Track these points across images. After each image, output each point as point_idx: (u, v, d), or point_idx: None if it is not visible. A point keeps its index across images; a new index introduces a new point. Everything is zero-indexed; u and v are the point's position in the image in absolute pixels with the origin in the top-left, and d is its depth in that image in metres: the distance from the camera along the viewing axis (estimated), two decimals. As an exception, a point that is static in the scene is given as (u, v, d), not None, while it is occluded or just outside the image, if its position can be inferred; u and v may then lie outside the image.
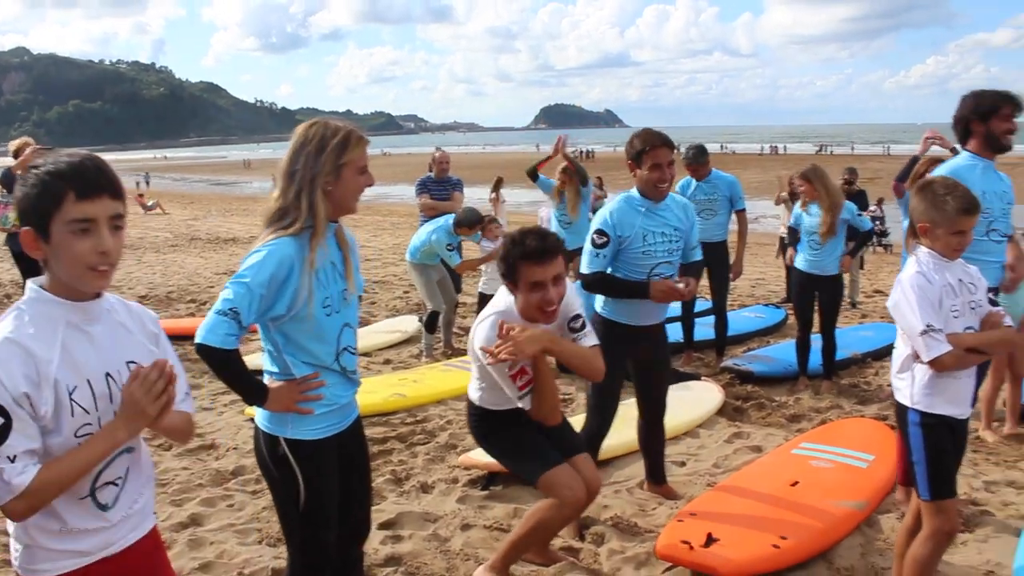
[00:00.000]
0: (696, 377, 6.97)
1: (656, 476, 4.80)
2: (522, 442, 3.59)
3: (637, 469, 4.97)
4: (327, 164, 2.60)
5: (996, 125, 4.12)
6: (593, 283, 4.24)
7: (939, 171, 4.23)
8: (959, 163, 4.22)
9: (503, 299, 3.48)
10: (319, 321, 2.63)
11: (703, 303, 8.55)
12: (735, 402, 6.53)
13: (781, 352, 7.56)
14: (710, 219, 7.44)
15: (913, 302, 3.07)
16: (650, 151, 4.14)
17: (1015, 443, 5.77)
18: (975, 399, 3.83)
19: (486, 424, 3.68)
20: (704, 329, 7.91)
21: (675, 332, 7.75)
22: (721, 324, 7.73)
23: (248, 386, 2.68)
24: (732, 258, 7.67)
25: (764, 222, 22.48)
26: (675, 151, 4.40)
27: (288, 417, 2.67)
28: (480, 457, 4.92)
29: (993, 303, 3.31)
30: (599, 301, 4.36)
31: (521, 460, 3.63)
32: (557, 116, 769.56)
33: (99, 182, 1.87)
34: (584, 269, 4.23)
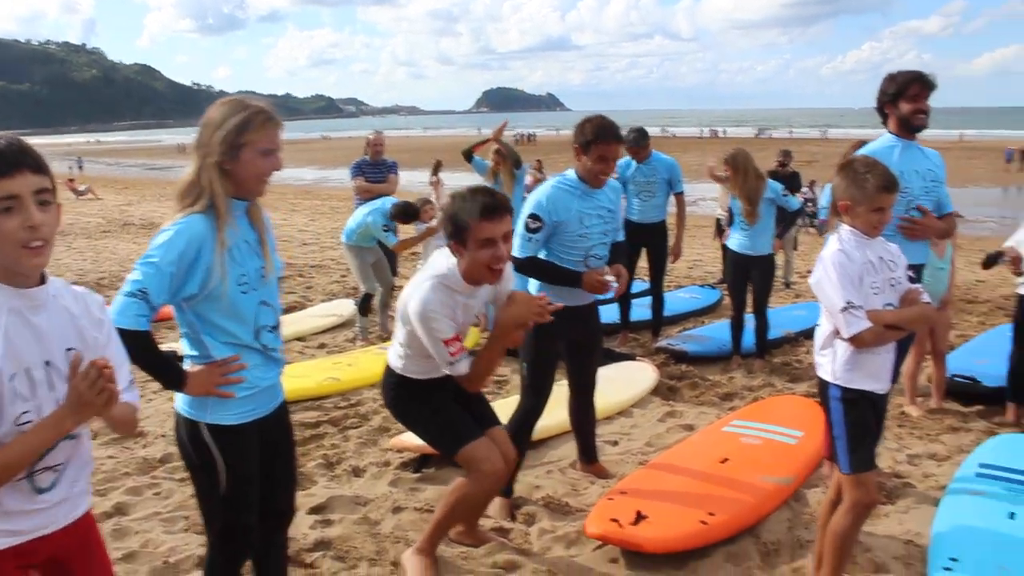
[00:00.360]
0: (632, 357, 7.01)
1: (588, 455, 4.82)
2: (441, 414, 3.54)
3: (570, 449, 4.99)
4: (224, 143, 2.53)
5: (904, 106, 4.18)
6: (525, 267, 4.22)
7: (861, 152, 4.29)
8: (879, 144, 4.28)
9: (442, 263, 3.40)
10: (234, 299, 2.57)
11: (640, 284, 8.62)
12: (669, 381, 6.59)
13: (715, 332, 7.65)
14: (648, 200, 7.49)
15: (834, 279, 3.12)
16: (599, 143, 4.12)
17: (938, 417, 5.92)
18: (896, 374, 3.91)
19: (405, 392, 3.59)
20: (641, 310, 7.97)
21: (612, 313, 7.81)
22: (658, 305, 7.78)
23: (165, 370, 2.62)
24: (672, 240, 7.73)
25: (703, 205, 22.73)
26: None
27: (208, 401, 2.62)
28: (412, 440, 4.90)
29: (913, 280, 3.37)
30: (533, 282, 4.35)
31: (440, 433, 3.57)
32: (499, 99, 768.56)
33: (16, 158, 1.84)
34: (516, 253, 4.19)
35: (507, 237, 3.32)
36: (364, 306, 8.02)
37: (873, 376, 3.24)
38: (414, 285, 3.42)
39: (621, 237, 4.55)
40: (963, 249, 11.20)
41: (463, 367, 3.34)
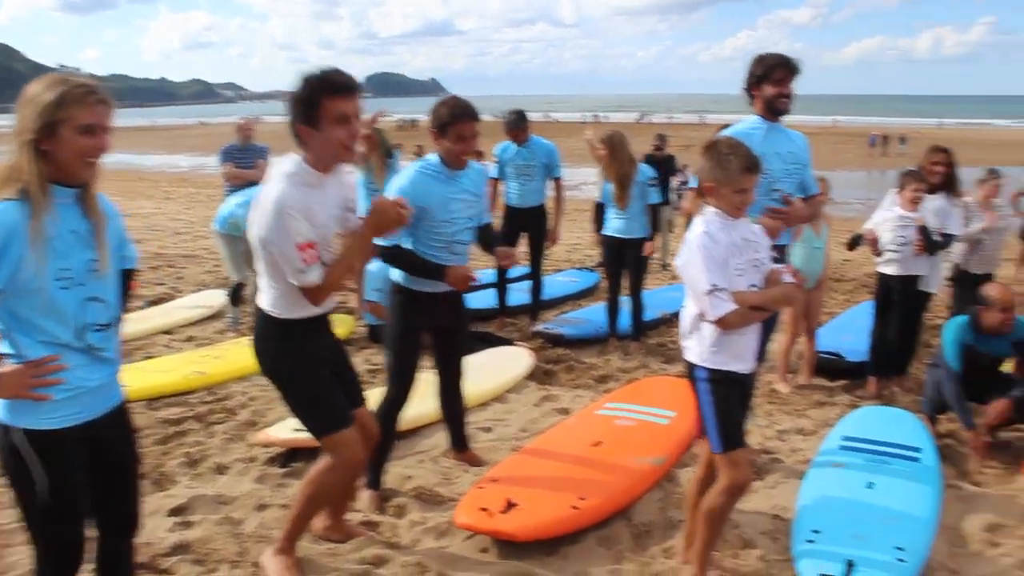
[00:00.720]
0: (508, 342, 6.96)
1: (459, 444, 4.74)
2: (316, 387, 3.31)
3: (442, 438, 4.89)
4: (39, 120, 2.31)
5: (769, 89, 4.22)
6: (389, 255, 4.08)
7: (725, 133, 4.32)
8: (743, 126, 4.31)
9: (286, 164, 3.14)
10: (51, 295, 2.35)
11: (519, 268, 8.56)
12: (546, 365, 6.57)
13: (592, 315, 7.68)
14: (527, 184, 7.45)
15: (699, 262, 3.11)
16: (456, 123, 4.01)
17: (806, 392, 6.08)
18: (763, 354, 3.96)
19: (276, 341, 3.29)
20: (519, 294, 7.94)
21: (489, 298, 7.76)
22: (536, 289, 7.77)
23: None
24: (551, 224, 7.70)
25: (585, 189, 22.90)
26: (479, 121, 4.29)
27: (22, 405, 2.39)
28: (279, 433, 4.73)
29: (776, 260, 3.39)
30: (395, 271, 4.22)
31: (311, 409, 3.33)
32: (381, 85, 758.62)
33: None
34: (380, 240, 4.06)
35: (357, 116, 3.13)
36: (235, 295, 7.73)
37: (739, 357, 3.26)
38: (260, 199, 3.10)
39: (488, 219, 4.47)
40: (832, 230, 11.58)
41: (314, 276, 3.09)
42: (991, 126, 70.33)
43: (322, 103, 3.02)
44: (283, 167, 3.12)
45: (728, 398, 3.25)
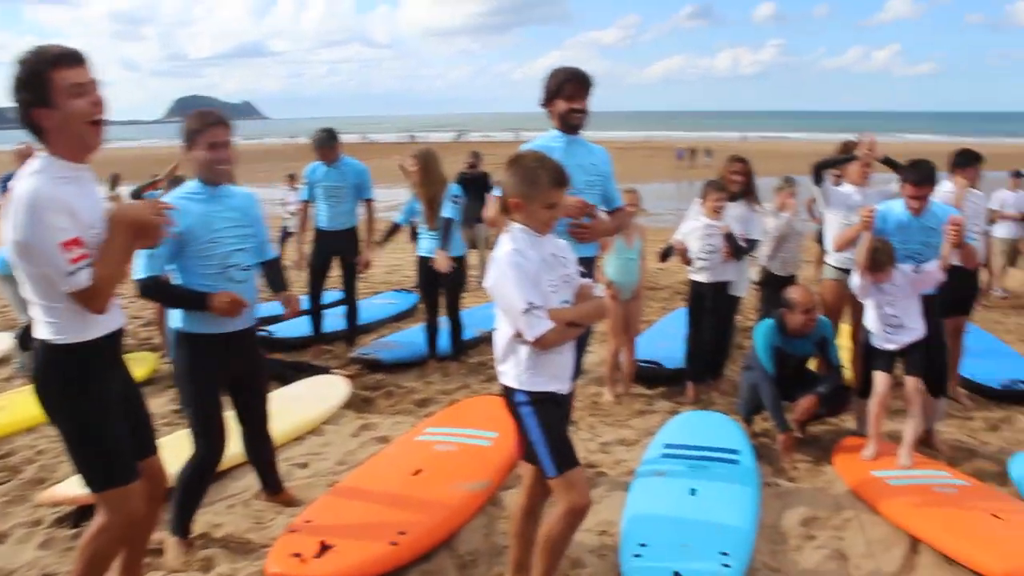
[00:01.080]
0: (324, 370, 6.67)
1: (271, 485, 4.43)
2: (100, 429, 2.91)
3: (254, 479, 4.55)
4: None
5: (561, 104, 4.17)
6: (147, 289, 3.72)
7: (526, 146, 4.23)
8: (543, 140, 4.23)
9: (33, 163, 2.76)
10: None
11: (334, 294, 8.27)
12: (364, 392, 6.32)
13: (411, 337, 7.49)
14: (337, 206, 7.17)
15: (512, 281, 2.96)
16: (206, 130, 3.72)
17: (627, 402, 6.10)
18: (579, 369, 3.88)
19: (62, 376, 2.88)
20: (335, 320, 7.64)
21: (304, 326, 7.44)
22: (352, 314, 7.51)
23: None
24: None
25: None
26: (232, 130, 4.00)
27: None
28: (68, 489, 4.26)
29: (584, 275, 3.30)
30: (176, 315, 3.86)
31: (90, 456, 2.93)
32: (192, 108, 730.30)
33: None
34: (136, 274, 3.68)
35: (93, 86, 2.79)
36: (24, 339, 7.07)
37: (557, 377, 3.13)
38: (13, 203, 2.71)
39: (271, 254, 4.20)
40: (647, 241, 11.87)
41: (84, 278, 2.72)
42: (787, 139, 75.09)
43: (50, 77, 2.68)
44: (30, 167, 2.75)
45: (552, 418, 3.12)
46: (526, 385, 3.09)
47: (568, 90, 4.11)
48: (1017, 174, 11.29)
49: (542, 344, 2.99)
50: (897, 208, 5.04)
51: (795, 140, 71.43)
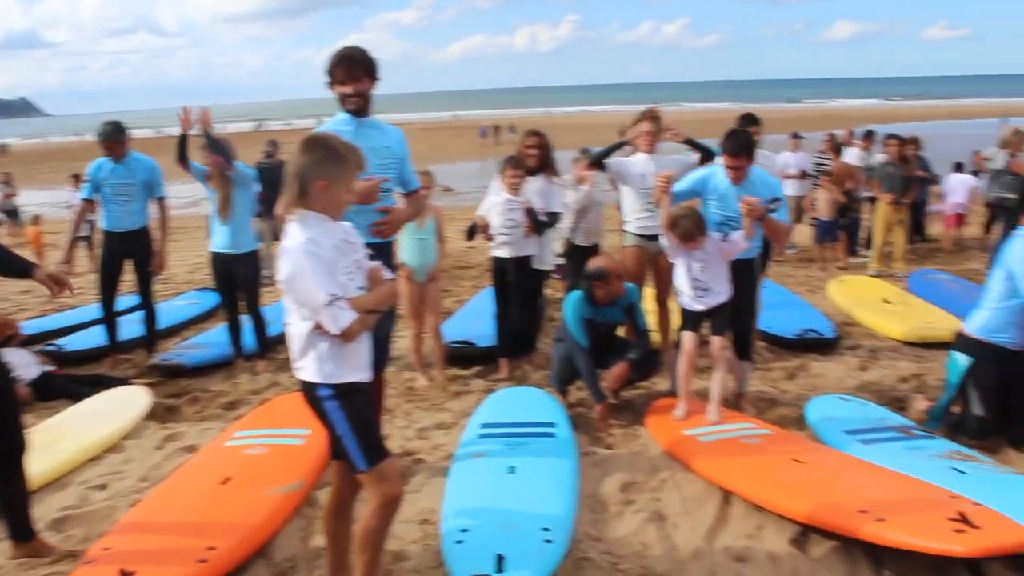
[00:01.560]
0: (123, 381, 6.24)
1: (20, 532, 3.81)
2: None
3: None
4: None
5: (337, 88, 4.05)
6: None
7: (320, 128, 4.07)
8: (333, 123, 4.10)
9: None
10: None
11: (130, 299, 7.76)
12: (167, 401, 5.96)
13: (215, 338, 7.14)
14: (126, 205, 6.66)
15: (310, 272, 2.80)
16: None
17: (443, 385, 6.04)
18: (385, 356, 3.77)
19: None
20: (133, 326, 7.14)
21: (98, 335, 6.96)
22: (149, 318, 7.04)
23: None
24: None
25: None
26: None
27: None
28: None
29: (372, 258, 3.20)
30: None
31: None
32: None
33: None
34: None
35: None
36: None
37: (360, 367, 3.02)
38: None
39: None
40: (455, 220, 11.85)
41: None
42: (588, 112, 77.22)
43: None
44: None
45: (360, 410, 3.00)
46: (330, 378, 2.96)
47: (339, 75, 4.00)
48: (796, 136, 12.02)
49: (348, 336, 2.87)
50: (719, 175, 5.16)
51: (595, 113, 73.56)
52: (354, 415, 2.98)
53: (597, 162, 5.94)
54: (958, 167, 12.50)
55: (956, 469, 4.13)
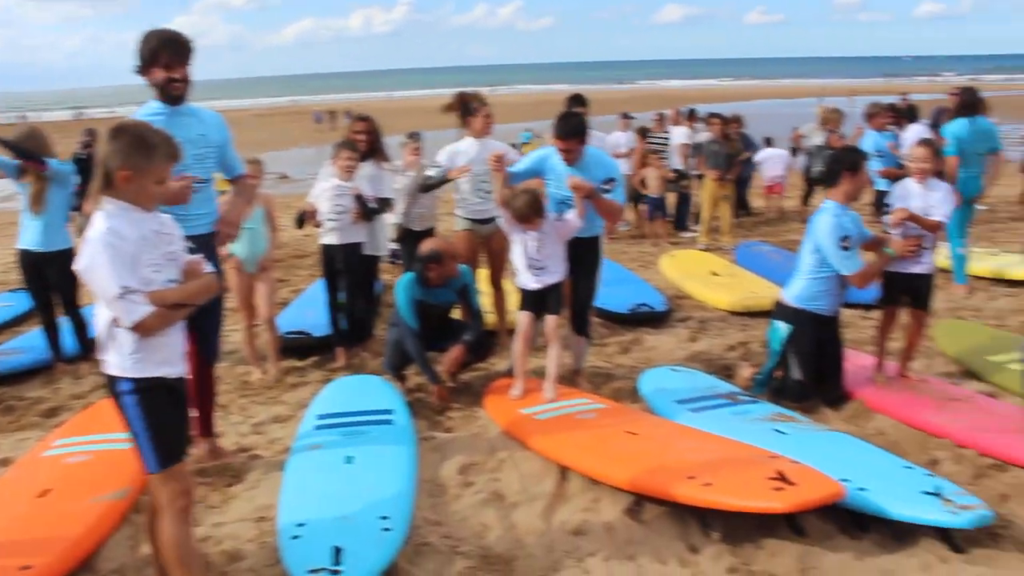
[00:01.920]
0: (-74, 395, 5.79)
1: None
2: None
3: None
4: None
5: (159, 74, 3.87)
6: None
7: (133, 116, 3.87)
8: (144, 112, 3.90)
9: None
10: None
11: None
12: (-23, 412, 5.57)
13: (31, 341, 6.70)
14: None
15: (106, 263, 2.68)
16: None
17: (279, 377, 5.90)
18: (214, 352, 3.64)
19: None
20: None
21: None
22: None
23: None
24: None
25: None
26: None
27: None
28: None
29: (193, 251, 3.08)
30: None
31: None
32: None
33: None
34: None
35: None
36: None
37: (166, 361, 2.91)
38: None
39: None
40: (290, 207, 11.56)
41: None
42: (427, 95, 77.12)
43: None
44: None
45: (162, 408, 2.90)
46: (130, 372, 2.86)
47: (164, 58, 3.80)
48: (626, 115, 12.36)
49: (142, 329, 2.77)
50: (556, 156, 5.17)
51: (433, 95, 73.49)
52: (152, 413, 2.88)
53: (426, 190, 6.07)
54: (768, 142, 13.20)
55: (777, 430, 4.36)
